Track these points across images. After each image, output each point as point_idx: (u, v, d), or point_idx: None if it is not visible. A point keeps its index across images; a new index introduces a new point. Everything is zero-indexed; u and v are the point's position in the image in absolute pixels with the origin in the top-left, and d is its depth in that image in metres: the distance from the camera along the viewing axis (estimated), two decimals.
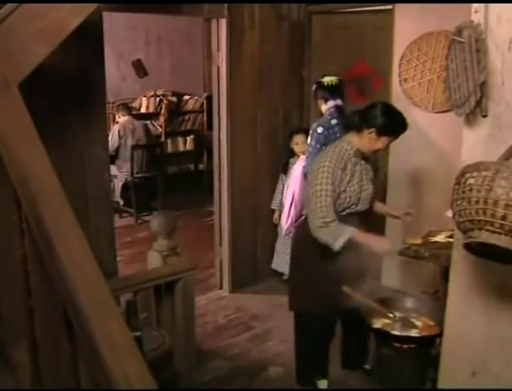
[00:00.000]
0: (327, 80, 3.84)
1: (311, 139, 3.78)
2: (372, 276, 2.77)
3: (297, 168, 4.14)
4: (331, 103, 3.81)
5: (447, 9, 3.41)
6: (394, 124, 2.59)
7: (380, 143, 2.63)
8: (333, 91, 3.84)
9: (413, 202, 3.89)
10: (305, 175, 3.79)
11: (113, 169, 6.16)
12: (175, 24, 7.33)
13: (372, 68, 4.23)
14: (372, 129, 2.58)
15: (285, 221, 4.17)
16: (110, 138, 6.12)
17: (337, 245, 2.53)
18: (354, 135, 2.66)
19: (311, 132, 3.80)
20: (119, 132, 6.27)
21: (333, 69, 4.36)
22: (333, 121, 3.75)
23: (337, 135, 3.78)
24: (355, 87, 4.32)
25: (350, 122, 2.69)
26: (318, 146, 3.72)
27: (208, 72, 4.17)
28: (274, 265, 4.49)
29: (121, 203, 6.32)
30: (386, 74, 4.04)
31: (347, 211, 2.69)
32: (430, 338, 2.65)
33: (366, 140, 2.62)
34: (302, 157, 4.07)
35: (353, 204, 2.70)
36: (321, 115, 3.91)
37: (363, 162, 2.72)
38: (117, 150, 6.30)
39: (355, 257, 2.53)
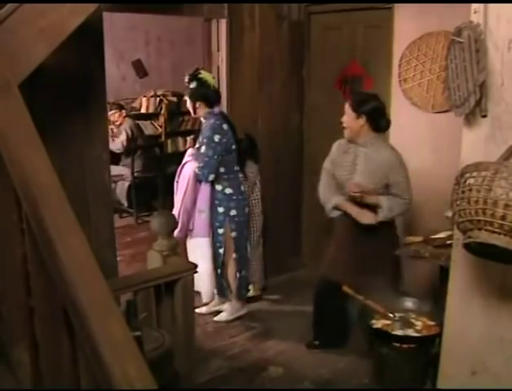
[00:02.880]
0: (211, 80, 3.55)
1: (207, 148, 3.48)
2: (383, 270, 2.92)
3: (187, 171, 3.64)
4: (217, 108, 3.58)
5: (447, 9, 3.41)
6: None
7: None
8: (218, 94, 3.64)
9: (413, 202, 3.88)
10: (199, 181, 3.58)
11: (118, 169, 6.17)
12: (175, 24, 7.32)
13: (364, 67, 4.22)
14: None
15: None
16: (124, 137, 6.29)
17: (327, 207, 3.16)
18: None
19: (205, 140, 3.51)
20: (131, 129, 6.37)
21: (333, 69, 4.37)
22: (225, 126, 3.55)
23: (231, 140, 3.60)
24: (347, 87, 4.31)
25: None
26: (215, 157, 3.50)
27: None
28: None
29: (126, 205, 6.31)
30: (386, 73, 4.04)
31: None
32: (430, 338, 2.65)
33: None
34: (193, 163, 3.60)
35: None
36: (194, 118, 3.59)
37: None
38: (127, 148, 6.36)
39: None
